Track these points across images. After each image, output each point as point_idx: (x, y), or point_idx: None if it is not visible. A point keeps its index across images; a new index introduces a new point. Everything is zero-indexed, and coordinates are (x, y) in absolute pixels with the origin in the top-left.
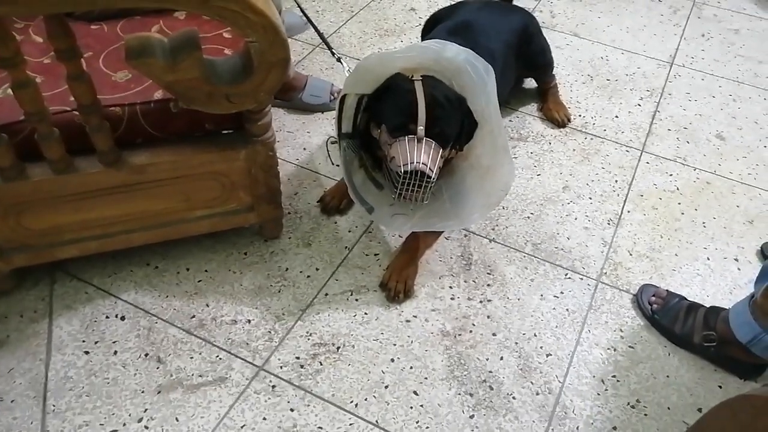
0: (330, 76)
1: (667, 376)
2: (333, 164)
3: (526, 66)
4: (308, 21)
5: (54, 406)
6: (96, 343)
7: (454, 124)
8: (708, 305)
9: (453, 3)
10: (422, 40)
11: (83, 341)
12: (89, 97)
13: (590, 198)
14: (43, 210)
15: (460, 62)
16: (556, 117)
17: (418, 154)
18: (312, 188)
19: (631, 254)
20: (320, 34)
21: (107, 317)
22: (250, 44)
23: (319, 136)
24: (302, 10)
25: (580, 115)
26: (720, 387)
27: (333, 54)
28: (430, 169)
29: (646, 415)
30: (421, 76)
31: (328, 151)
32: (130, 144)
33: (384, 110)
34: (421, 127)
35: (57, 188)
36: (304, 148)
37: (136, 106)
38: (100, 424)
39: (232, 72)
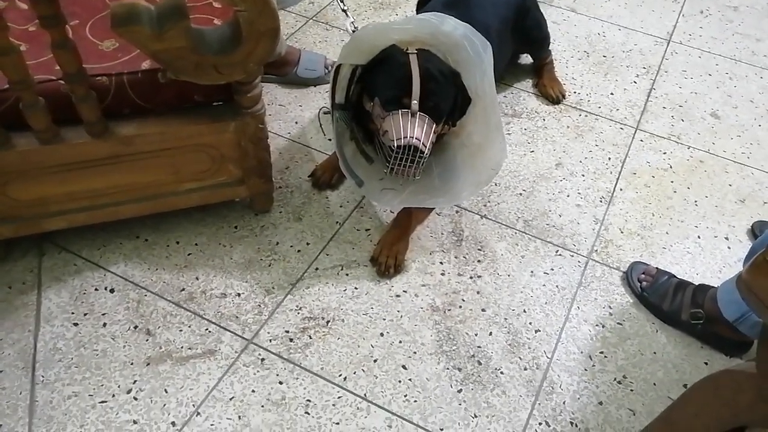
0: (323, 49)
1: (654, 353)
2: (324, 135)
3: (521, 41)
4: None
5: (43, 377)
6: (85, 315)
7: (447, 99)
8: (697, 283)
9: None
10: (417, 13)
11: (72, 313)
12: (74, 65)
13: (583, 175)
14: (29, 181)
15: (458, 37)
16: (551, 93)
17: (412, 129)
18: (303, 162)
19: (622, 232)
20: None
21: (96, 289)
22: (239, 13)
23: (312, 110)
24: None
25: (575, 92)
26: (706, 363)
27: (341, 4)
28: (423, 144)
29: (632, 390)
30: (416, 49)
31: (320, 121)
32: (117, 115)
33: (378, 83)
34: (415, 102)
35: (43, 158)
36: (296, 122)
37: (124, 75)
38: (89, 395)
39: (221, 42)
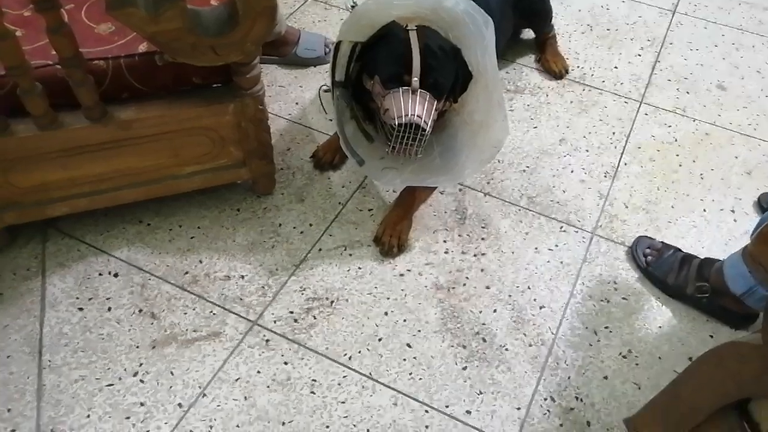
0: (323, 28)
1: (660, 327)
2: (325, 113)
3: (523, 16)
4: None
5: (50, 361)
6: (90, 299)
7: (448, 75)
8: (703, 257)
9: None
10: None
11: (77, 298)
12: (71, 50)
13: (587, 150)
14: (30, 167)
15: (459, 13)
16: (554, 68)
17: (413, 106)
18: (305, 143)
19: (627, 207)
20: None
21: (100, 274)
22: None
23: (312, 91)
24: None
25: (578, 66)
26: (711, 336)
27: None
28: (425, 122)
29: (637, 364)
30: (417, 25)
31: (320, 99)
32: (115, 99)
33: (377, 60)
34: (416, 78)
35: (43, 144)
36: (297, 103)
37: (121, 59)
38: (96, 378)
39: (218, 22)
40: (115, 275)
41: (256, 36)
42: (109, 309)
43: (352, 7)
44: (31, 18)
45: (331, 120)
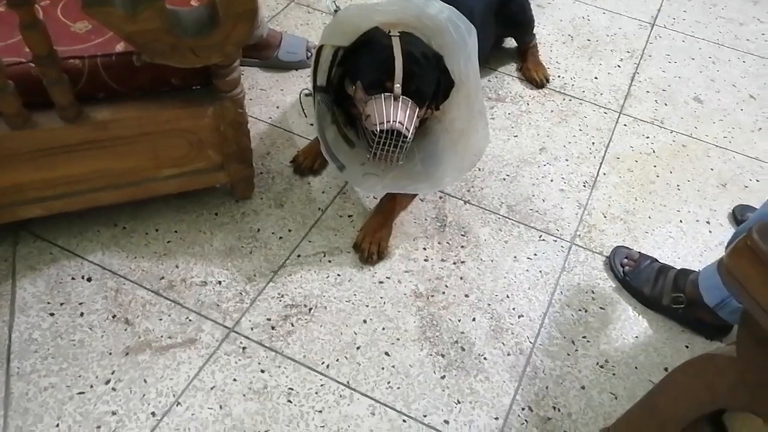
0: (305, 32)
1: (636, 337)
2: (306, 118)
3: (505, 25)
4: None
5: (18, 368)
6: (61, 304)
7: (430, 82)
8: (679, 267)
9: None
10: None
11: (48, 303)
12: (45, 47)
13: (567, 160)
14: (2, 167)
15: (442, 20)
16: (535, 77)
17: (395, 113)
18: (285, 148)
19: (605, 216)
20: None
21: (73, 278)
22: None
23: (293, 95)
24: None
25: (559, 76)
26: (687, 347)
27: None
28: (406, 128)
29: (614, 374)
30: (399, 32)
31: (301, 103)
32: (92, 99)
33: (360, 66)
34: (398, 85)
35: (15, 144)
36: (278, 107)
37: (97, 58)
38: (67, 386)
39: (198, 23)
40: (89, 279)
41: (237, 38)
42: (82, 314)
43: (335, 11)
44: (3, 14)
45: (311, 124)
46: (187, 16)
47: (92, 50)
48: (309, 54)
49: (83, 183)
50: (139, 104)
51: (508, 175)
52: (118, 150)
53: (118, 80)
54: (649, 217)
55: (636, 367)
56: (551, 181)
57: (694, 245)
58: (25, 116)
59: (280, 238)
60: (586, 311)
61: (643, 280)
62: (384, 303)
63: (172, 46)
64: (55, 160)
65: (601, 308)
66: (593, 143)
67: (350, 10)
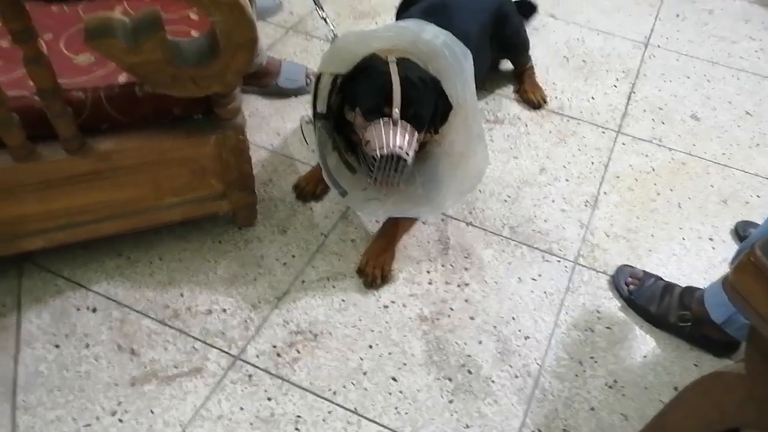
0: (304, 59)
1: (644, 356)
2: (307, 144)
3: (501, 48)
4: None
5: (24, 401)
6: (67, 336)
7: (428, 107)
8: (684, 285)
9: None
10: (397, 21)
11: (54, 335)
12: (48, 81)
13: (567, 180)
14: (7, 199)
15: (438, 45)
16: (533, 99)
17: (394, 138)
18: (287, 174)
19: (607, 236)
20: None
21: (78, 309)
22: (215, 24)
23: (294, 121)
24: None
25: (556, 97)
26: (696, 365)
27: (317, 6)
28: (406, 152)
29: (623, 395)
30: (396, 57)
31: (302, 131)
32: (95, 130)
33: (358, 92)
34: (396, 110)
35: (20, 176)
36: (278, 134)
37: (100, 90)
38: (73, 419)
39: (198, 54)
40: (94, 310)
41: (237, 67)
42: (87, 345)
43: (333, 38)
44: (8, 49)
45: (312, 151)
46: (188, 47)
47: (95, 82)
48: (308, 81)
49: (87, 214)
50: (141, 134)
51: (509, 197)
52: (121, 180)
53: (121, 111)
54: (652, 236)
55: (645, 387)
56: (552, 201)
57: (698, 262)
58: (29, 148)
59: (284, 264)
60: (592, 331)
61: (648, 299)
62: (389, 327)
63: (174, 76)
64: (58, 192)
65: (607, 328)
66: (593, 163)
67: (347, 38)
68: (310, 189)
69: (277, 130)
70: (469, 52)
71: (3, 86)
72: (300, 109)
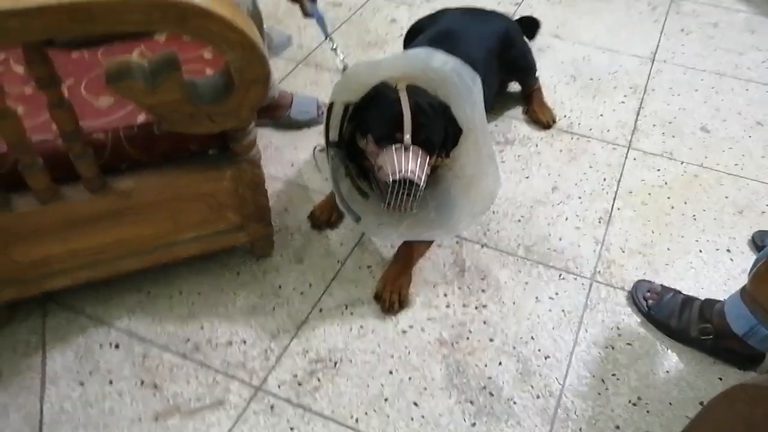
0: (315, 90)
1: (667, 372)
2: (320, 172)
3: (508, 70)
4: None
5: None
6: (91, 373)
7: (439, 131)
8: (703, 298)
9: (433, 12)
10: (404, 49)
11: (78, 372)
12: (71, 124)
13: (580, 197)
14: (31, 241)
15: (447, 71)
16: (542, 119)
17: (406, 163)
18: (301, 204)
19: (623, 251)
20: (322, 26)
21: (101, 346)
22: (229, 62)
23: (307, 151)
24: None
25: (565, 116)
26: (720, 379)
27: (327, 38)
28: (418, 177)
29: (648, 411)
30: (405, 84)
31: (315, 159)
32: (115, 169)
33: (370, 119)
34: (408, 136)
35: (44, 218)
36: (292, 164)
37: (120, 131)
38: None
39: (213, 91)
40: (116, 346)
41: (251, 103)
42: (111, 382)
43: (344, 69)
44: (32, 95)
45: (326, 179)
46: (203, 85)
47: (115, 123)
48: (320, 111)
49: (108, 251)
50: (160, 171)
51: (522, 216)
52: (140, 217)
53: (140, 150)
54: (668, 249)
55: (670, 403)
56: (566, 219)
57: (716, 274)
58: (53, 191)
59: (302, 293)
60: (613, 348)
61: (668, 313)
62: (409, 352)
63: (190, 114)
64: (81, 231)
65: (628, 344)
66: (605, 179)
67: (357, 68)
68: (324, 217)
69: (291, 160)
70: (477, 76)
71: (28, 132)
72: (312, 139)
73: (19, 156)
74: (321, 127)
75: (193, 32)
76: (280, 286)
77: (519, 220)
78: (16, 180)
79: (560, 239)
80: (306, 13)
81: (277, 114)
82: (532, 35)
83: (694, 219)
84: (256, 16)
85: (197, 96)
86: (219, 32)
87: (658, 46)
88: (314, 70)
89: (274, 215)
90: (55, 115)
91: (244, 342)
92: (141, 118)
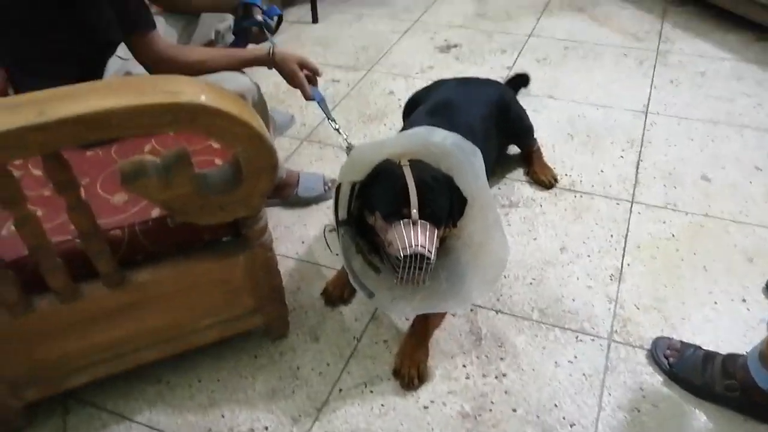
0: (319, 166)
1: None
2: (332, 253)
3: (507, 135)
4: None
5: None
6: None
7: (444, 203)
8: (725, 352)
9: (429, 84)
10: (403, 121)
11: None
12: (89, 225)
13: (588, 256)
14: (51, 339)
15: (448, 146)
16: (543, 179)
17: (415, 237)
18: (314, 281)
19: (638, 308)
20: (326, 111)
21: None
22: (238, 153)
23: (316, 228)
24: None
25: (566, 174)
26: None
27: (329, 119)
28: (429, 251)
29: None
30: (409, 160)
31: (326, 239)
32: (130, 262)
33: (376, 196)
34: (415, 210)
35: (64, 317)
36: (303, 241)
37: (136, 226)
38: None
39: (224, 182)
40: None
41: (261, 191)
42: None
43: (347, 148)
44: (50, 197)
45: (337, 254)
46: (214, 177)
47: (131, 219)
48: (326, 187)
49: (127, 344)
50: (174, 262)
51: (534, 279)
52: (157, 308)
53: (155, 242)
54: (683, 303)
55: None
56: (577, 279)
57: (735, 326)
58: (73, 289)
59: (320, 373)
60: (638, 411)
61: (690, 370)
62: (432, 429)
63: (201, 206)
64: (99, 326)
65: (653, 406)
66: (612, 235)
67: (362, 149)
68: (337, 293)
69: (301, 237)
70: (477, 149)
71: (48, 233)
72: (321, 215)
73: (41, 259)
74: (328, 203)
75: (203, 130)
76: (298, 368)
77: (531, 283)
78: (37, 280)
79: (573, 300)
80: (307, 97)
81: (285, 193)
82: (526, 85)
83: (705, 270)
84: (261, 104)
85: (208, 188)
86: (228, 128)
87: (649, 98)
88: (318, 147)
89: (288, 294)
90: (74, 217)
91: (266, 429)
92: (155, 212)
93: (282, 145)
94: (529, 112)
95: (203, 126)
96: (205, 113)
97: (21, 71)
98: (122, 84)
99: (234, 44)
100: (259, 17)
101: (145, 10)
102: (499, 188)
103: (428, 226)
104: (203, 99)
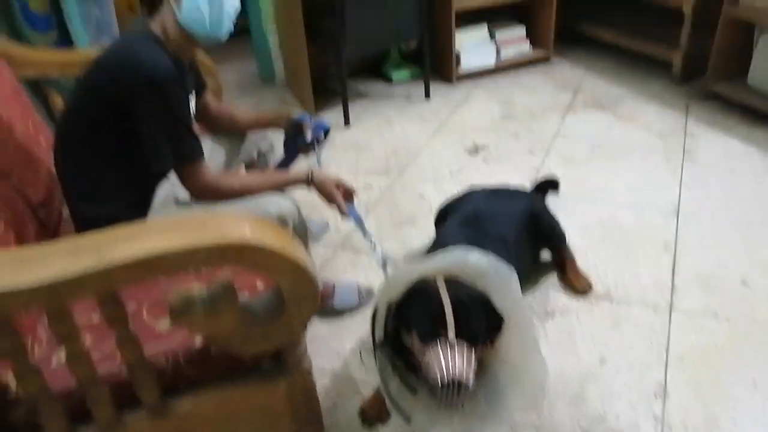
0: (354, 274)
1: None
2: (367, 372)
3: (539, 242)
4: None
5: None
6: None
7: (481, 323)
8: None
9: (459, 194)
10: (436, 231)
11: None
12: (137, 357)
13: (629, 369)
14: None
15: (483, 267)
16: (578, 287)
17: (453, 361)
18: (350, 396)
19: (686, 429)
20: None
21: None
22: (281, 284)
23: (352, 340)
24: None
25: (601, 281)
26: None
27: (366, 238)
28: (467, 377)
29: None
30: (444, 279)
31: (362, 359)
32: (172, 390)
33: (413, 316)
34: (452, 332)
35: None
36: (338, 354)
37: (180, 355)
38: None
39: (267, 311)
40: None
41: (303, 318)
42: None
43: (383, 264)
44: (97, 324)
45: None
46: (257, 307)
47: (175, 347)
48: (361, 296)
49: None
50: (216, 389)
51: (574, 394)
52: None
53: (198, 371)
54: (734, 421)
55: None
56: (620, 395)
57: None
58: (116, 419)
59: None
60: None
61: None
62: None
63: (246, 336)
64: None
65: None
66: (652, 345)
67: (398, 273)
68: (374, 413)
69: (336, 350)
70: (513, 270)
71: (95, 363)
72: (356, 327)
73: (89, 391)
74: (364, 313)
75: (248, 265)
76: None
77: (571, 399)
78: (81, 411)
79: (617, 418)
80: (344, 214)
81: (320, 305)
82: (556, 189)
83: (754, 384)
84: (302, 224)
85: (252, 318)
86: (272, 263)
87: (679, 198)
88: (352, 254)
89: (324, 411)
90: (123, 350)
91: None
92: (198, 341)
93: (317, 253)
94: (559, 215)
95: (248, 262)
96: (250, 251)
97: (77, 197)
98: (174, 226)
99: (285, 158)
100: (309, 135)
101: (197, 140)
102: (534, 297)
103: (465, 347)
104: (248, 237)
